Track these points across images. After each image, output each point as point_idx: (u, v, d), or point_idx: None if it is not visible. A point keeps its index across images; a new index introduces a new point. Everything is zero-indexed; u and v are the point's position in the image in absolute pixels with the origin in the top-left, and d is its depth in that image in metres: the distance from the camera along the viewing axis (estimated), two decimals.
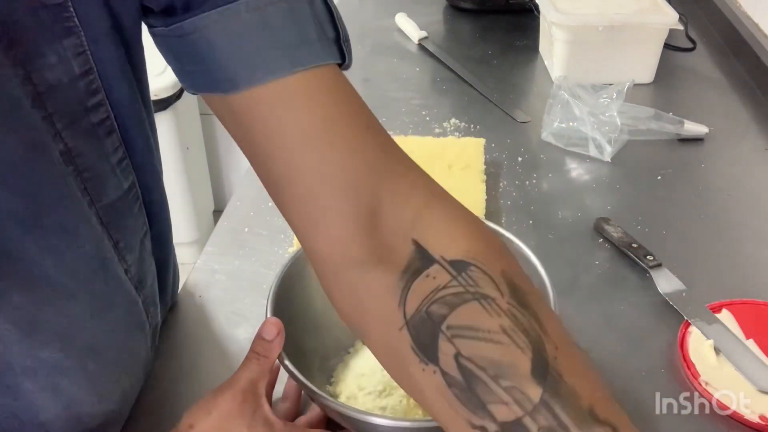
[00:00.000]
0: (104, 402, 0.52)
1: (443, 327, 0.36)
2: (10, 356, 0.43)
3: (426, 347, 0.36)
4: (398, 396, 0.56)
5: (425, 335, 0.36)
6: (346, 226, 0.39)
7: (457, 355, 0.35)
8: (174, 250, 0.66)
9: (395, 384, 0.54)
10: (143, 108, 0.50)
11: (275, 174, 0.41)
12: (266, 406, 0.50)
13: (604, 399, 0.36)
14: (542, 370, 0.34)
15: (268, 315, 0.54)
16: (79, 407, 0.49)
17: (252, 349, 0.51)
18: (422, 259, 0.38)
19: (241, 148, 0.43)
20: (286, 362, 0.51)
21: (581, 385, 0.35)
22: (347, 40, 0.44)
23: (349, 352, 0.63)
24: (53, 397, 0.47)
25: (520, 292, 0.37)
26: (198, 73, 0.41)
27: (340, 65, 0.43)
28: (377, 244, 0.39)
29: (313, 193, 0.40)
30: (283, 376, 0.60)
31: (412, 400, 0.56)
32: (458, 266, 0.37)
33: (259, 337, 0.51)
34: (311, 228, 0.41)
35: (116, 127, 0.46)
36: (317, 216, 0.40)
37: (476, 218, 0.43)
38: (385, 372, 0.42)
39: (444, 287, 0.37)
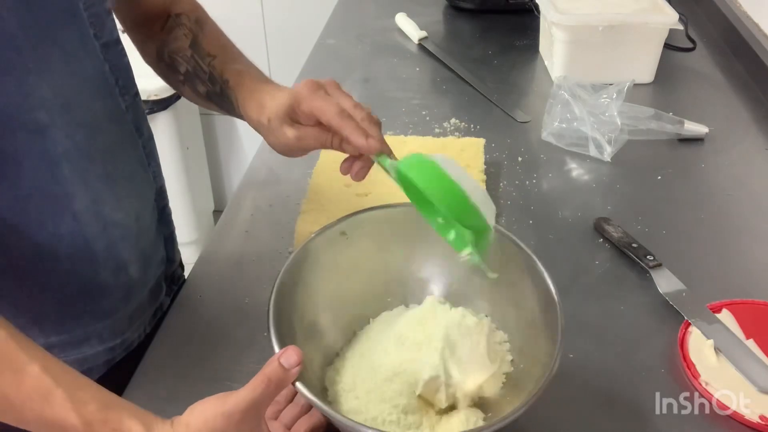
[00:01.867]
0: (122, 209, 0.65)
1: (166, 42, 0.73)
2: (52, 132, 0.57)
3: (161, 53, 0.73)
4: (395, 390, 0.56)
5: (161, 48, 0.73)
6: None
7: (168, 52, 0.72)
8: None
9: (393, 375, 0.57)
10: None
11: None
12: (264, 426, 0.50)
13: (224, 48, 0.73)
14: (194, 44, 0.71)
15: (270, 316, 0.54)
16: (103, 204, 0.63)
17: (265, 373, 0.49)
18: (167, 17, 0.74)
19: None
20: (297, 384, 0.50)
21: (209, 46, 0.71)
22: None
23: (342, 353, 0.63)
24: (84, 187, 0.61)
25: (200, 21, 0.73)
26: None
27: None
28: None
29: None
30: None
31: (413, 395, 0.56)
32: (177, 15, 0.73)
33: (276, 362, 0.49)
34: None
35: None
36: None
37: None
38: (383, 369, 0.51)
39: (170, 25, 0.73)
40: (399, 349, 0.57)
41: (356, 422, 0.50)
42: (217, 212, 2.14)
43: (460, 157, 0.90)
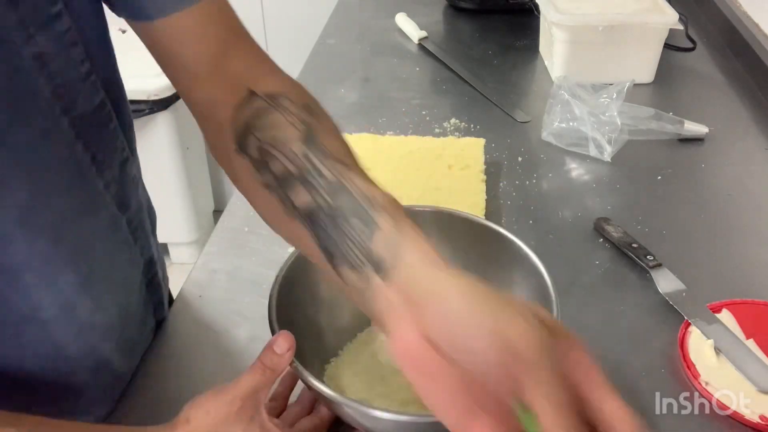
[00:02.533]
0: (100, 311, 0.56)
1: (255, 128, 0.51)
2: (9, 243, 0.47)
3: (242, 144, 0.52)
4: (394, 385, 0.56)
5: (243, 137, 0.51)
6: (207, 71, 0.55)
7: (258, 143, 0.50)
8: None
9: (392, 372, 0.57)
10: (105, 31, 0.55)
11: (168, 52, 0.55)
12: (264, 414, 0.51)
13: (353, 159, 0.50)
14: (308, 139, 0.50)
15: (272, 315, 0.54)
16: (76, 310, 0.53)
17: (260, 359, 0.51)
18: (250, 94, 0.53)
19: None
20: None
21: (334, 148, 0.50)
22: None
23: (342, 351, 0.63)
24: (51, 295, 0.51)
25: (311, 109, 0.53)
26: (122, 3, 0.51)
27: None
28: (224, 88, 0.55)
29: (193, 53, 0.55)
30: (299, 386, 0.60)
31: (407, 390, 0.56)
32: (273, 96, 0.53)
33: (269, 349, 0.51)
34: (184, 77, 0.57)
35: (79, 39, 0.49)
36: (189, 65, 0.56)
37: (285, 75, 0.60)
38: (383, 365, 0.52)
39: (262, 106, 0.52)
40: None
41: (351, 399, 0.50)
42: (217, 212, 2.14)
43: (460, 157, 0.90)
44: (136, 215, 0.60)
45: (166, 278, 0.71)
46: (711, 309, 0.69)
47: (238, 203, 0.87)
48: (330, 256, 0.46)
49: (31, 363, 0.53)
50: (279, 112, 0.51)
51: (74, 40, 0.49)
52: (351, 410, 0.50)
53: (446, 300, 0.40)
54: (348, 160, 0.49)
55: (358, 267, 0.44)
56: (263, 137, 0.50)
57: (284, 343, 0.51)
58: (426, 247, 0.44)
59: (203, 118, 0.56)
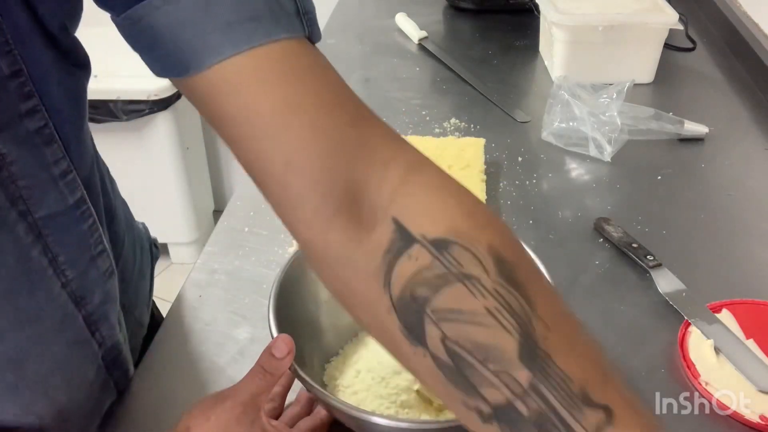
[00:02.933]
0: (32, 415, 0.50)
1: (428, 310, 0.35)
2: None
3: (414, 330, 0.36)
4: (394, 386, 0.57)
5: (412, 318, 0.36)
6: (322, 212, 0.38)
7: (444, 339, 0.34)
8: (151, 284, 0.68)
9: (392, 373, 0.56)
10: (84, 122, 0.49)
11: (245, 160, 0.40)
12: (264, 418, 0.50)
13: (600, 379, 0.34)
14: (531, 352, 0.33)
15: (271, 315, 0.54)
16: (2, 415, 0.48)
17: (259, 363, 0.50)
18: (403, 239, 0.36)
19: (218, 134, 0.41)
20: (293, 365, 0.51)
21: (574, 365, 0.34)
22: (308, 13, 0.40)
23: (343, 350, 0.63)
24: None
25: (508, 268, 0.35)
26: (156, 59, 0.40)
27: (306, 39, 0.40)
28: (356, 227, 0.38)
29: (284, 181, 0.38)
30: (296, 386, 0.60)
31: (408, 394, 0.56)
32: (440, 245, 0.36)
33: (268, 353, 0.50)
34: (290, 215, 0.40)
35: (57, 137, 0.44)
36: (293, 203, 0.39)
37: (460, 187, 0.40)
38: (384, 366, 0.50)
39: (426, 268, 0.35)
40: None
41: (350, 405, 0.50)
42: (217, 212, 2.14)
43: (460, 157, 0.89)
44: (99, 307, 0.52)
45: (129, 365, 0.61)
46: (711, 309, 0.69)
47: (238, 203, 0.87)
48: None
49: None
50: (464, 285, 0.35)
51: (50, 139, 0.44)
52: (349, 416, 0.50)
53: None
54: (605, 394, 0.33)
55: None
56: (451, 334, 0.34)
57: (284, 346, 0.50)
58: None
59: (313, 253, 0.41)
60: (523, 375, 0.33)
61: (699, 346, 0.65)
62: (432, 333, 0.35)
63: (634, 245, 0.76)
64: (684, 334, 0.66)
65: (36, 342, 0.48)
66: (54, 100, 0.44)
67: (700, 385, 0.62)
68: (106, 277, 0.53)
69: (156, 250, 0.71)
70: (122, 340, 0.58)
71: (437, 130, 1.01)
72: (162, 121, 1.79)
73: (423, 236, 0.36)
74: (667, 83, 1.15)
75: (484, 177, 0.87)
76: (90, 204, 0.49)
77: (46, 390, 0.50)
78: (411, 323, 0.35)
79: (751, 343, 0.65)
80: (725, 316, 0.68)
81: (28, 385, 0.49)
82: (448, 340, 0.34)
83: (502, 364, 0.33)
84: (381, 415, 0.49)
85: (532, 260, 0.38)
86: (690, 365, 0.63)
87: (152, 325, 0.71)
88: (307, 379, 0.50)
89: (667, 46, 1.15)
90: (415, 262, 0.36)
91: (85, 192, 0.48)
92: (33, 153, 0.43)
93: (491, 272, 0.35)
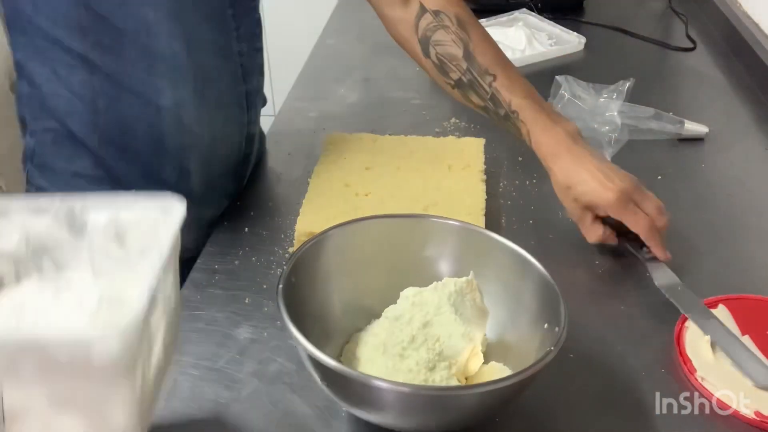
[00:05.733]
0: (200, 125, 0.75)
1: (431, 42, 0.80)
2: (157, 31, 0.68)
3: (425, 51, 0.81)
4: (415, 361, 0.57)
5: (425, 46, 0.80)
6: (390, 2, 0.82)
7: (437, 54, 0.79)
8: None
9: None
10: None
11: None
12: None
13: (501, 67, 0.78)
14: (468, 55, 0.78)
15: (281, 304, 0.54)
16: (184, 111, 0.73)
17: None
18: (422, 9, 0.80)
19: None
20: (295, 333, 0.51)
21: (486, 60, 0.78)
22: None
23: (354, 338, 0.63)
24: (171, 88, 0.72)
25: (462, 23, 0.79)
26: None
27: None
28: (403, 5, 0.81)
29: None
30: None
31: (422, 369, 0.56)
32: (436, 12, 0.79)
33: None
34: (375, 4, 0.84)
35: None
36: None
37: None
38: (404, 338, 0.56)
39: (430, 22, 0.79)
40: (412, 324, 0.58)
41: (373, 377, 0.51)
42: None
43: (460, 157, 0.90)
44: (253, 96, 0.81)
45: (247, 171, 0.89)
46: (707, 304, 0.69)
47: (238, 203, 0.87)
48: (502, 125, 0.80)
49: (141, 134, 0.73)
50: (443, 30, 0.78)
51: None
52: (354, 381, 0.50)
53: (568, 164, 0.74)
54: (496, 69, 0.77)
55: (523, 137, 0.78)
56: (439, 51, 0.79)
57: None
58: (547, 134, 0.76)
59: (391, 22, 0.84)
60: (464, 64, 0.78)
61: (696, 342, 0.65)
62: (431, 51, 0.80)
63: (630, 235, 0.76)
64: (680, 330, 0.66)
65: (218, 72, 0.76)
66: None
67: (697, 381, 0.62)
68: (259, 71, 0.83)
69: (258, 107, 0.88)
70: (254, 137, 0.87)
71: (437, 130, 1.01)
72: None
73: (429, 8, 0.80)
74: (667, 83, 1.15)
75: (484, 177, 0.87)
76: (258, 4, 0.79)
77: (215, 115, 0.77)
78: (425, 48, 0.80)
79: (747, 340, 0.65)
80: (721, 312, 0.68)
81: (209, 100, 0.76)
82: (438, 54, 0.79)
83: (456, 61, 0.78)
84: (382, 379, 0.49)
85: (476, 22, 0.81)
86: (686, 361, 0.63)
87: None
88: (308, 345, 0.50)
89: (668, 46, 1.15)
90: (426, 20, 0.80)
91: (263, 42, 0.81)
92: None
93: (454, 24, 0.79)
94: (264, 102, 0.88)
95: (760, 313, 0.68)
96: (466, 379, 0.58)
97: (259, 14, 0.78)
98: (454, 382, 0.55)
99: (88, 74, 0.69)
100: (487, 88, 0.77)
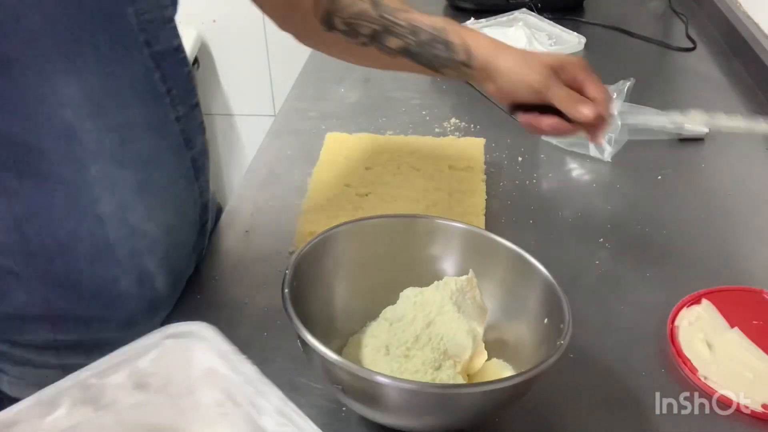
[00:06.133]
0: (151, 221, 0.63)
1: (333, 13, 0.73)
2: (81, 133, 0.56)
3: (330, 25, 0.73)
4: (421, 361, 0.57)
5: (328, 21, 0.73)
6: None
7: (343, 21, 0.73)
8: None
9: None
10: None
11: None
12: None
13: (410, 6, 0.73)
14: (376, 5, 0.72)
15: (289, 309, 0.54)
16: (130, 212, 0.62)
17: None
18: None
19: None
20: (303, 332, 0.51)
21: (393, 3, 0.72)
22: None
23: (359, 333, 0.63)
24: (110, 192, 0.60)
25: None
26: None
27: None
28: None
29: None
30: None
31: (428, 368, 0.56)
32: None
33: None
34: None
35: None
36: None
37: None
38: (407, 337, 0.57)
39: (327, 1, 0.73)
40: (415, 324, 0.58)
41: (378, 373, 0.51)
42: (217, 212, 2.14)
43: (460, 157, 0.90)
44: (199, 156, 0.69)
45: (206, 242, 0.78)
46: (691, 299, 0.69)
47: (238, 203, 0.87)
48: (432, 68, 0.72)
49: (83, 255, 0.61)
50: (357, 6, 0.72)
51: None
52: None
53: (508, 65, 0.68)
54: (404, 5, 0.72)
55: (452, 66, 0.71)
56: (345, 15, 0.72)
57: None
58: (481, 37, 0.70)
59: (284, 16, 0.76)
60: (374, 12, 0.72)
61: (690, 341, 0.65)
62: (336, 21, 0.73)
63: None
64: (672, 330, 0.66)
65: (159, 153, 0.63)
66: None
67: (700, 380, 0.62)
68: (201, 129, 0.70)
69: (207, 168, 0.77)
70: (209, 204, 0.74)
71: (437, 130, 1.01)
72: None
73: None
74: (667, 83, 1.15)
75: (484, 177, 0.87)
76: (184, 54, 0.64)
77: (164, 201, 0.65)
78: (329, 23, 0.74)
79: (736, 332, 0.65)
80: (705, 306, 0.68)
81: (153, 189, 0.63)
82: (343, 20, 0.73)
83: (366, 14, 0.72)
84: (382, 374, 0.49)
85: None
86: (685, 361, 0.63)
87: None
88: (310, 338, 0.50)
89: (667, 46, 1.15)
90: (323, 5, 0.73)
91: (182, 41, 0.64)
92: None
93: (373, 8, 0.72)
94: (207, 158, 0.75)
95: (746, 305, 0.69)
96: (469, 376, 0.58)
97: (189, 66, 0.66)
98: (461, 380, 0.56)
99: (6, 199, 0.58)
100: (405, 23, 0.71)
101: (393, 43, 0.72)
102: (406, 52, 0.72)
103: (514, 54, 0.69)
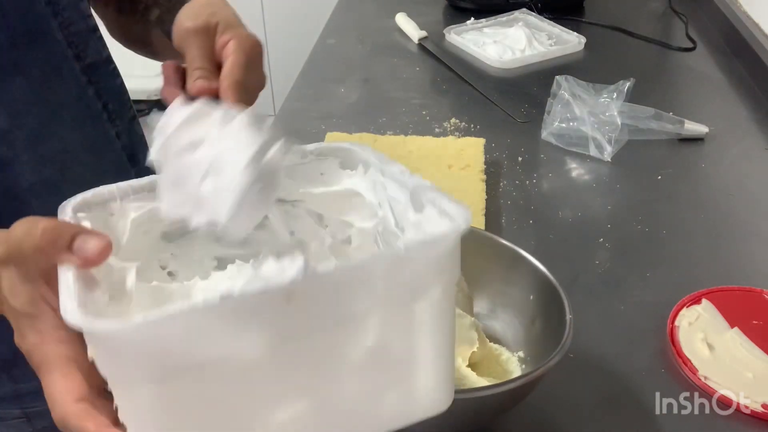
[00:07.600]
0: None
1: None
2: (18, 166, 0.52)
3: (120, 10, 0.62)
4: None
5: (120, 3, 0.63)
6: None
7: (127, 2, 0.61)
8: None
9: None
10: None
11: None
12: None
13: None
14: None
15: None
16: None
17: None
18: None
19: None
20: None
21: None
22: None
23: None
24: None
25: None
26: None
27: None
28: None
29: None
30: None
31: None
32: None
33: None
34: None
35: None
36: None
37: None
38: None
39: None
40: None
41: None
42: None
43: (460, 157, 0.89)
44: (145, 171, 0.55)
45: None
46: (691, 299, 0.69)
47: None
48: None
49: None
50: None
51: None
52: None
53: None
54: None
55: None
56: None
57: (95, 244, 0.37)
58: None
59: (104, 14, 0.65)
60: None
61: (690, 342, 0.65)
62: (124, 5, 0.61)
63: None
64: (672, 330, 0.66)
65: (101, 176, 0.53)
66: None
67: (700, 380, 0.62)
68: (142, 142, 0.64)
69: None
70: None
71: (437, 130, 1.01)
72: None
73: None
74: (667, 83, 1.15)
75: (484, 177, 0.87)
76: (114, 65, 0.60)
77: None
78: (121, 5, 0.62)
79: (736, 332, 0.65)
80: (705, 306, 0.68)
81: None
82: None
83: None
84: None
85: None
86: (686, 361, 0.63)
87: None
88: None
89: (667, 46, 1.15)
90: None
91: (109, 51, 0.60)
92: (74, 5, 0.54)
93: None
94: None
95: (746, 305, 0.68)
96: (472, 365, 0.58)
97: (120, 76, 0.62)
98: (468, 373, 0.56)
99: None
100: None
101: (153, 14, 0.60)
102: (160, 22, 0.59)
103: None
